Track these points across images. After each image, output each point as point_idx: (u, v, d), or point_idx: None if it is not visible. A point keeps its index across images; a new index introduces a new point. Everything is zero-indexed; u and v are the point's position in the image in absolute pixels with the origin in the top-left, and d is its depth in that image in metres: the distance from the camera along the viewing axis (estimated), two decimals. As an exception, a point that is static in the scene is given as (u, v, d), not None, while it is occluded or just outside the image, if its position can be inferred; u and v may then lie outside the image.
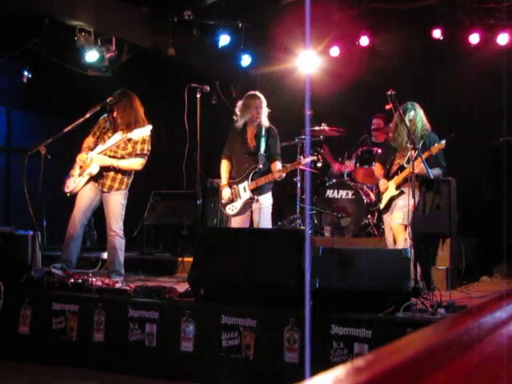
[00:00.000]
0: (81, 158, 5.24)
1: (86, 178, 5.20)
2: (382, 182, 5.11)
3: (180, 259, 6.25)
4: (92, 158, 5.19)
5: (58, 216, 7.67)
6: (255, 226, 5.44)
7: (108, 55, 7.08)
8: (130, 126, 5.18)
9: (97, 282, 4.60)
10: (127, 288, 4.50)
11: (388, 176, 5.11)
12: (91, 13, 6.86)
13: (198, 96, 5.02)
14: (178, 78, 7.00)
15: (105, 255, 6.16)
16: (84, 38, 6.81)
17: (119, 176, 5.24)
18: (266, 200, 5.45)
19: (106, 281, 4.76)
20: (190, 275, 4.27)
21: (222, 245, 4.26)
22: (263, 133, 5.47)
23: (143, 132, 5.10)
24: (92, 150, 5.29)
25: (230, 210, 5.47)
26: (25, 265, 5.10)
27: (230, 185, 5.47)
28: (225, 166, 5.56)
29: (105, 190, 5.22)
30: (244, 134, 5.49)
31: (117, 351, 4.18)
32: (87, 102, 5.53)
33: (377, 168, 5.46)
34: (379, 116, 6.95)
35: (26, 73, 7.89)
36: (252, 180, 5.34)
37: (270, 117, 5.53)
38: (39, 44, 6.95)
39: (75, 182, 5.22)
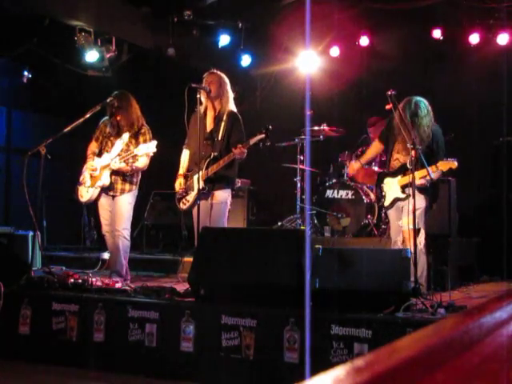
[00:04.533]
0: (89, 166, 5.24)
1: (99, 189, 5.21)
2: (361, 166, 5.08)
3: (180, 259, 6.25)
4: (102, 171, 5.18)
5: (58, 216, 7.67)
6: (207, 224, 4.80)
7: (108, 55, 7.08)
8: (133, 125, 5.21)
9: (97, 282, 4.61)
10: (127, 288, 4.51)
11: (388, 169, 4.99)
12: (91, 13, 6.87)
13: (198, 96, 5.01)
14: (177, 77, 7.00)
15: (105, 255, 6.16)
16: (84, 38, 6.82)
17: (128, 178, 5.24)
18: (221, 196, 4.93)
19: (106, 281, 4.77)
20: (190, 275, 4.27)
21: (222, 245, 4.26)
22: (224, 117, 4.99)
23: (149, 149, 5.06)
24: (98, 155, 5.28)
25: (183, 203, 5.01)
26: (25, 265, 5.11)
27: (185, 176, 5.06)
28: (183, 156, 5.18)
29: (117, 194, 5.21)
30: (203, 119, 5.03)
31: (117, 351, 4.18)
32: (87, 102, 5.53)
33: (374, 145, 5.22)
34: (374, 120, 6.83)
35: (26, 73, 7.90)
36: (206, 169, 4.85)
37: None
38: (39, 44, 6.96)
39: (88, 192, 5.21)
